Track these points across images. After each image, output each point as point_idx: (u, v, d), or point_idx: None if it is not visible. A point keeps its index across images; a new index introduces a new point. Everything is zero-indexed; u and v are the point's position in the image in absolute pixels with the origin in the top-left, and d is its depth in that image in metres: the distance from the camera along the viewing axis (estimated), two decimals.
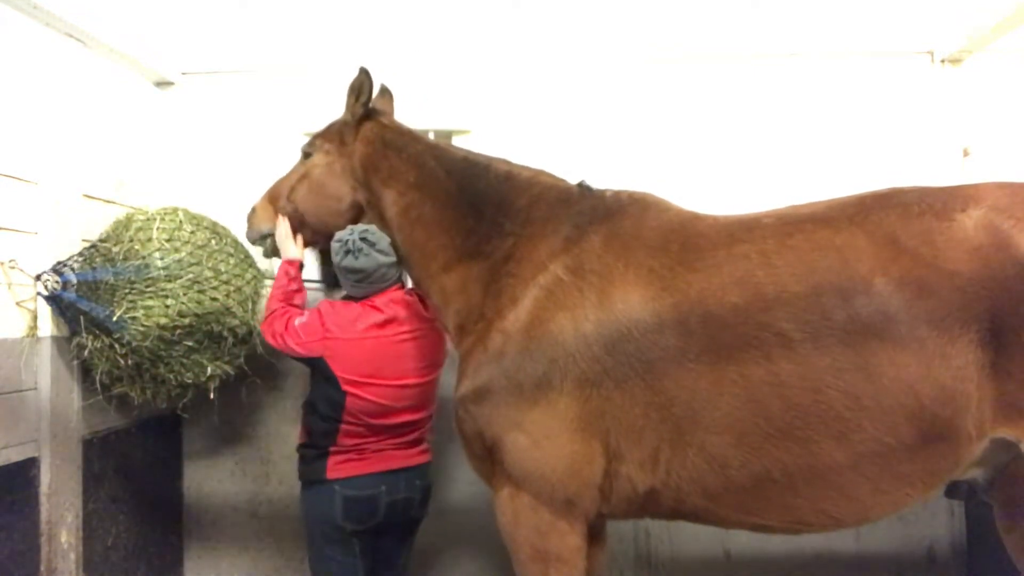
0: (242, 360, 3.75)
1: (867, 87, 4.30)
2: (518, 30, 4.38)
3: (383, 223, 3.14)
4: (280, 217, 3.32)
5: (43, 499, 3.32)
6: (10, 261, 3.20)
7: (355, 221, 3.23)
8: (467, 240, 2.90)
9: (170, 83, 4.47)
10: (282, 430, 4.44)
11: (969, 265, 2.26)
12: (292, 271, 3.32)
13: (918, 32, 4.25)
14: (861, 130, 4.27)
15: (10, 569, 3.14)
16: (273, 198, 3.40)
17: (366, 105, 3.22)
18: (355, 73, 3.18)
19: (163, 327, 3.31)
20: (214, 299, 3.44)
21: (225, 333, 3.55)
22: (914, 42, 4.28)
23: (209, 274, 3.45)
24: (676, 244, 2.59)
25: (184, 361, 3.49)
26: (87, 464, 3.60)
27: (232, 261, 3.56)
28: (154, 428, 4.17)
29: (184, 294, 3.35)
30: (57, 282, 3.23)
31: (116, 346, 3.31)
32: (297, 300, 3.32)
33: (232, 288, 3.53)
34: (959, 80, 4.26)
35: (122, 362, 3.36)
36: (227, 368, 3.67)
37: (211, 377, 3.59)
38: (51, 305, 3.31)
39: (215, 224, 3.69)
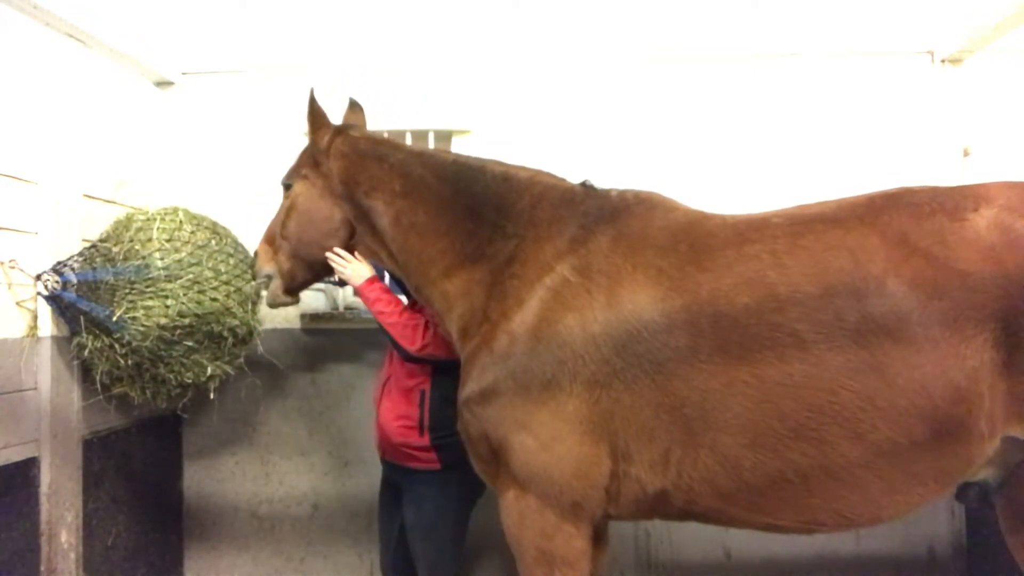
0: (242, 360, 3.75)
1: (867, 87, 4.31)
2: (518, 30, 4.38)
3: (374, 235, 3.07)
4: (329, 254, 3.15)
5: (43, 499, 3.32)
6: (10, 261, 3.19)
7: (352, 237, 3.16)
8: (468, 243, 2.85)
9: (170, 83, 4.46)
10: (282, 430, 4.45)
11: (981, 265, 2.25)
12: (382, 284, 3.23)
13: (918, 32, 4.26)
14: (861, 130, 4.28)
15: (10, 569, 3.13)
16: (269, 239, 3.33)
17: (319, 118, 3.15)
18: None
19: (163, 327, 3.30)
20: (214, 299, 3.43)
21: (225, 333, 3.54)
22: (914, 42, 4.29)
23: (209, 274, 3.44)
24: (685, 244, 2.56)
25: (184, 361, 3.48)
26: (87, 464, 3.61)
27: (232, 261, 3.55)
28: (154, 428, 4.17)
29: (184, 294, 3.34)
30: (57, 282, 3.22)
31: (116, 346, 3.31)
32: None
33: (232, 288, 3.52)
34: (959, 80, 4.27)
35: (122, 362, 3.35)
36: (227, 368, 3.67)
37: (211, 377, 3.59)
38: (51, 305, 3.31)
39: (215, 224, 3.68)
